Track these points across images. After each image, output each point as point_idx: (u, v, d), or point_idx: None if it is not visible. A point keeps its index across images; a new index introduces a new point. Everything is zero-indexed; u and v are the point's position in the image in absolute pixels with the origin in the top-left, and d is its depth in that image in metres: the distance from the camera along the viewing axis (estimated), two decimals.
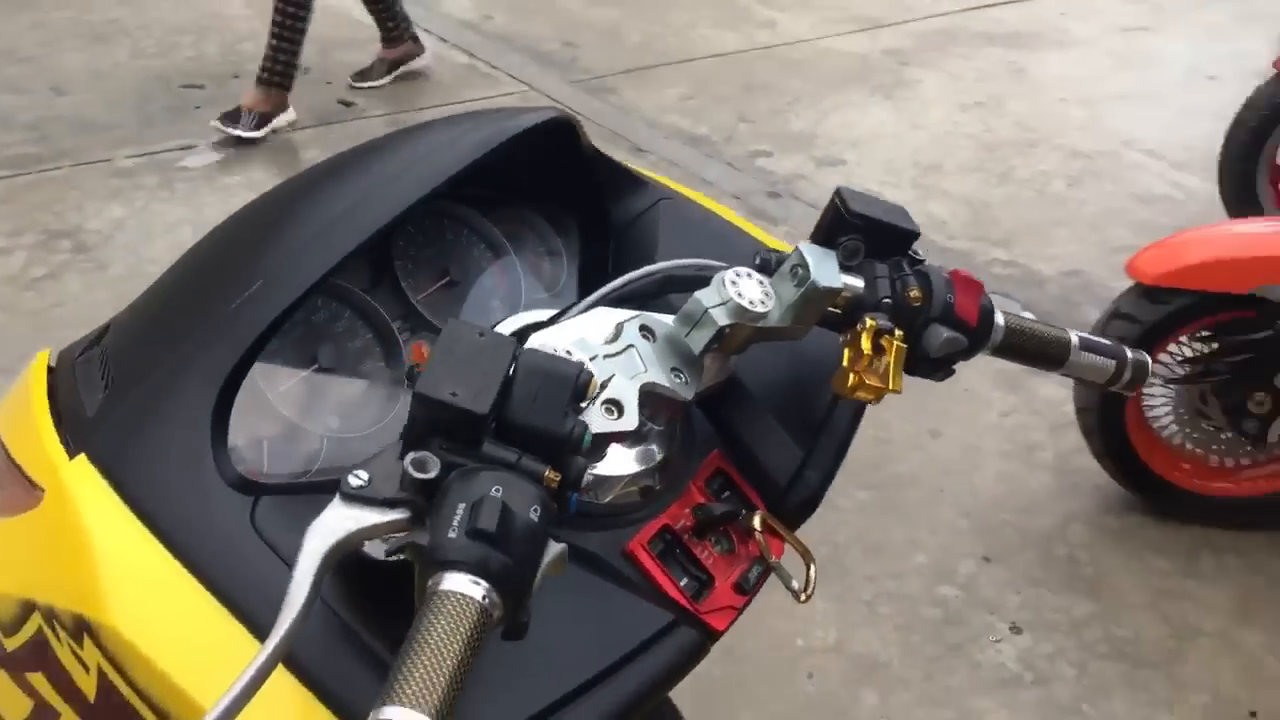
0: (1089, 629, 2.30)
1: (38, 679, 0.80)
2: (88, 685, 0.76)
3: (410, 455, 0.68)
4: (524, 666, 0.77)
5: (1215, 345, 2.38)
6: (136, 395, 0.80)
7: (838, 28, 5.32)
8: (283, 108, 4.03)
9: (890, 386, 0.89)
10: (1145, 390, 2.48)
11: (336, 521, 0.67)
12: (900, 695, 2.13)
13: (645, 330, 0.88)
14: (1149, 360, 1.08)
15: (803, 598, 0.91)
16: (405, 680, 0.60)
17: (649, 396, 0.85)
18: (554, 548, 0.68)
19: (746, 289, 0.88)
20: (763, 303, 0.88)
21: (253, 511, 0.76)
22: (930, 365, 0.96)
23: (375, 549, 0.75)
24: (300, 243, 0.85)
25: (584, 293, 1.08)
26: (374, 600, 0.75)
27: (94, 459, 0.77)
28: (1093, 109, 4.60)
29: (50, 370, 0.90)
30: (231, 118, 3.94)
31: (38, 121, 4.04)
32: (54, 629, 0.76)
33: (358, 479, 0.68)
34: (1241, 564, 2.48)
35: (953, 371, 0.98)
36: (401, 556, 0.74)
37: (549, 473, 0.70)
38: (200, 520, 0.75)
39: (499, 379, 0.70)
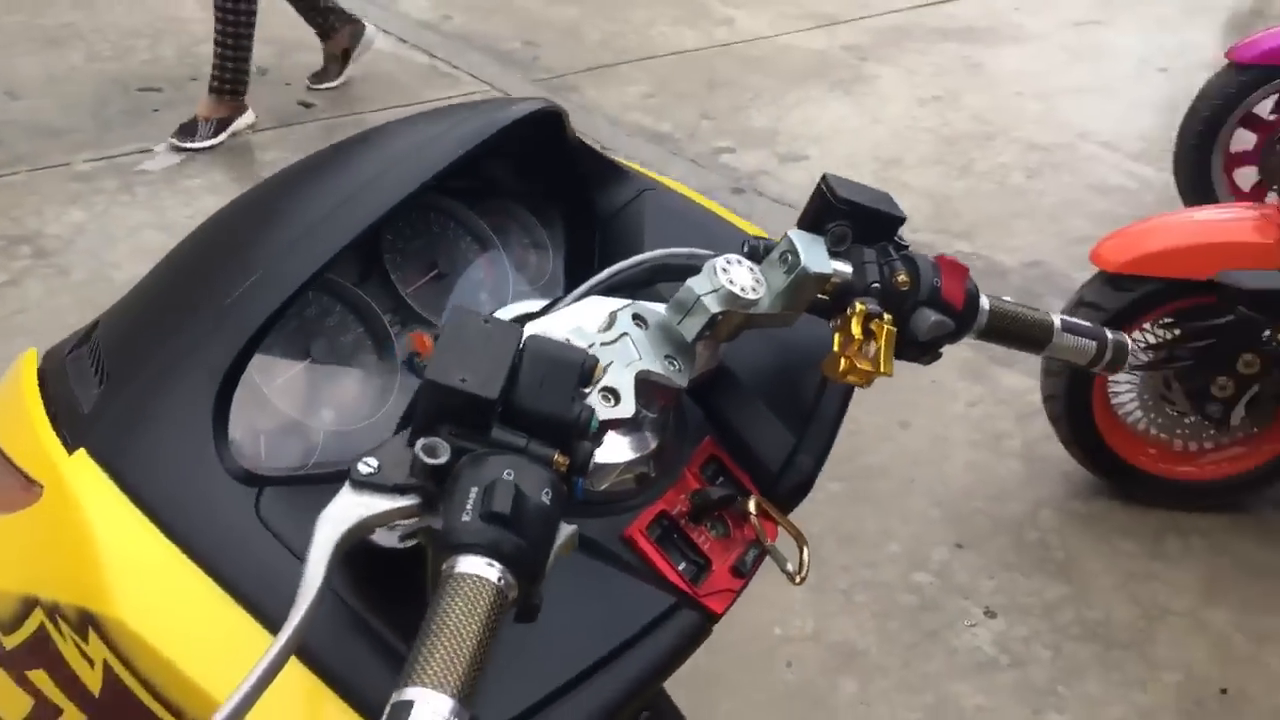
0: (1061, 612, 2.33)
1: (39, 676, 0.79)
2: (92, 680, 0.75)
3: (421, 441, 0.68)
4: (529, 652, 0.77)
5: (1178, 331, 2.42)
6: (135, 389, 0.80)
7: (796, 24, 5.35)
8: (240, 111, 3.99)
9: (881, 370, 0.90)
10: (1111, 377, 2.52)
11: (347, 509, 0.67)
12: (879, 682, 2.15)
13: (638, 319, 0.88)
14: (1129, 341, 1.10)
15: (798, 580, 0.92)
16: (425, 662, 0.60)
17: (644, 384, 0.86)
18: (565, 529, 0.69)
19: (738, 276, 0.89)
20: (754, 289, 0.89)
21: (257, 503, 0.76)
22: (918, 349, 0.97)
23: (381, 537, 0.75)
24: (298, 234, 0.85)
25: (571, 285, 1.09)
26: (380, 588, 0.76)
27: (94, 454, 0.77)
28: (1048, 102, 4.66)
29: (39, 369, 0.90)
30: (188, 131, 3.89)
31: None
32: (57, 625, 0.76)
33: (367, 466, 0.68)
34: (1207, 545, 2.52)
35: (939, 355, 1.00)
36: (413, 542, 0.75)
37: (558, 456, 0.70)
38: (205, 512, 0.75)
39: (506, 365, 0.70)
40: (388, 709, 0.59)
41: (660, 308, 0.90)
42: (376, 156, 0.92)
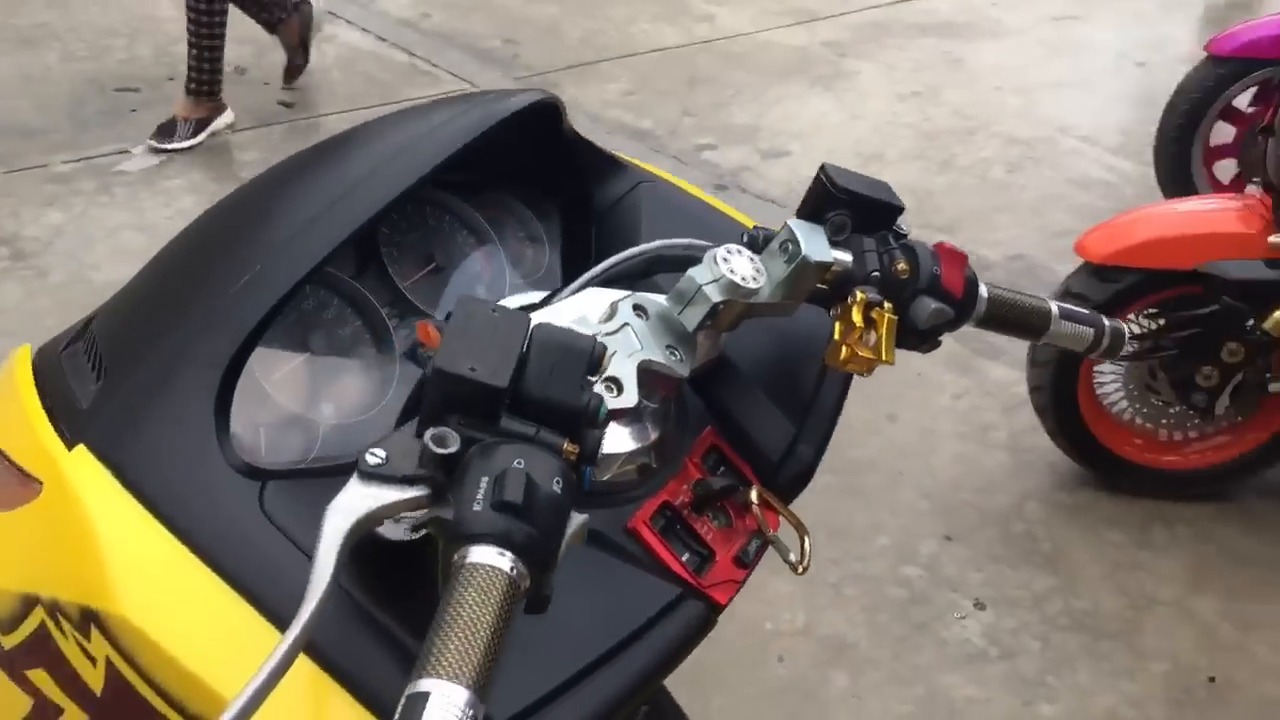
0: (1050, 603, 2.34)
1: (39, 675, 0.78)
2: (94, 679, 0.75)
3: (430, 431, 0.67)
4: (535, 645, 0.77)
5: (1163, 321, 2.43)
6: (134, 384, 0.79)
7: (776, 21, 5.35)
8: (219, 111, 3.97)
9: (883, 358, 0.90)
10: (1096, 368, 2.53)
11: (356, 500, 0.67)
12: (870, 675, 2.16)
13: (639, 309, 0.88)
14: (1125, 328, 1.10)
15: (800, 570, 0.92)
16: (440, 653, 0.59)
17: (646, 374, 0.85)
18: (576, 518, 0.68)
19: (738, 265, 0.89)
20: (754, 279, 0.89)
21: (260, 496, 0.75)
22: (918, 337, 0.97)
23: (387, 529, 0.74)
24: (298, 227, 0.84)
25: (568, 278, 1.08)
26: (385, 581, 0.75)
27: (93, 449, 0.76)
28: (1028, 97, 4.68)
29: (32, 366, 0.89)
30: (166, 132, 3.86)
31: None
32: (58, 623, 0.75)
33: (375, 457, 0.68)
34: (1192, 534, 2.53)
35: (939, 343, 1.00)
36: (421, 534, 0.74)
37: (567, 445, 0.70)
38: (208, 506, 0.74)
39: (515, 353, 0.70)
40: (402, 701, 0.58)
41: (661, 298, 0.90)
42: (375, 149, 0.92)
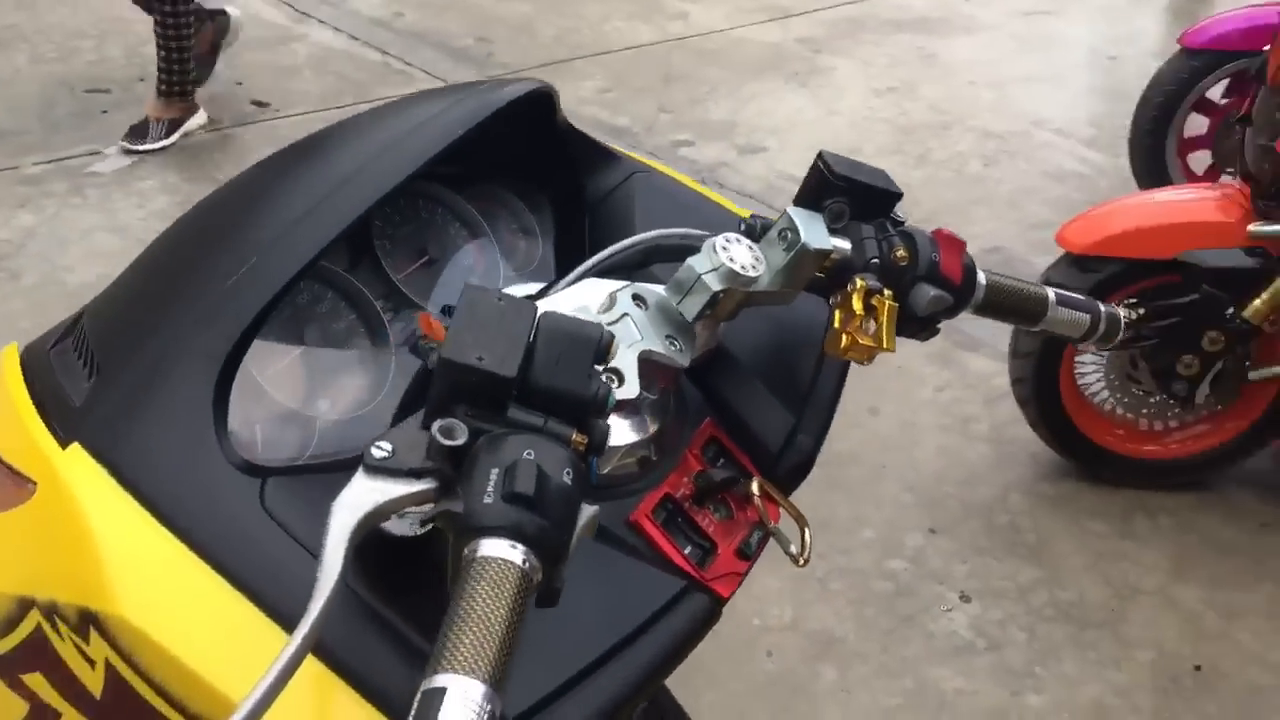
0: (1035, 594, 2.35)
1: (35, 680, 0.77)
2: (93, 682, 0.73)
3: (438, 423, 0.66)
4: (540, 641, 0.76)
5: (1143, 311, 2.43)
6: (129, 380, 0.77)
7: (750, 17, 5.35)
8: (191, 111, 3.93)
9: (884, 345, 0.90)
10: (1077, 358, 2.54)
11: (362, 495, 0.65)
12: (858, 668, 2.15)
13: (638, 299, 0.87)
14: (1121, 314, 1.10)
15: (801, 561, 0.91)
16: (454, 648, 0.58)
17: (646, 365, 0.84)
18: (587, 510, 0.67)
19: (737, 254, 0.88)
20: (754, 267, 0.88)
21: (261, 493, 0.73)
22: (917, 324, 0.97)
23: (392, 524, 0.73)
24: (295, 218, 0.82)
25: (561, 270, 1.07)
26: (389, 577, 0.74)
27: (88, 447, 0.74)
28: (1002, 91, 4.70)
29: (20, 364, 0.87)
30: (139, 133, 3.82)
31: None
32: (54, 625, 0.73)
33: (381, 450, 0.67)
34: (1174, 523, 2.55)
35: (937, 330, 0.99)
36: (427, 528, 0.73)
37: (576, 436, 0.69)
38: (208, 504, 0.72)
39: (523, 342, 0.69)
40: (418, 697, 0.57)
41: (659, 288, 0.89)
42: (371, 139, 0.90)
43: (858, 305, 0.90)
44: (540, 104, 1.01)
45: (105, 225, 3.42)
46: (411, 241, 1.01)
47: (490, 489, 0.63)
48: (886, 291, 0.91)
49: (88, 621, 0.71)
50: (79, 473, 0.73)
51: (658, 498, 0.87)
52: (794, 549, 0.91)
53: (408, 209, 1.01)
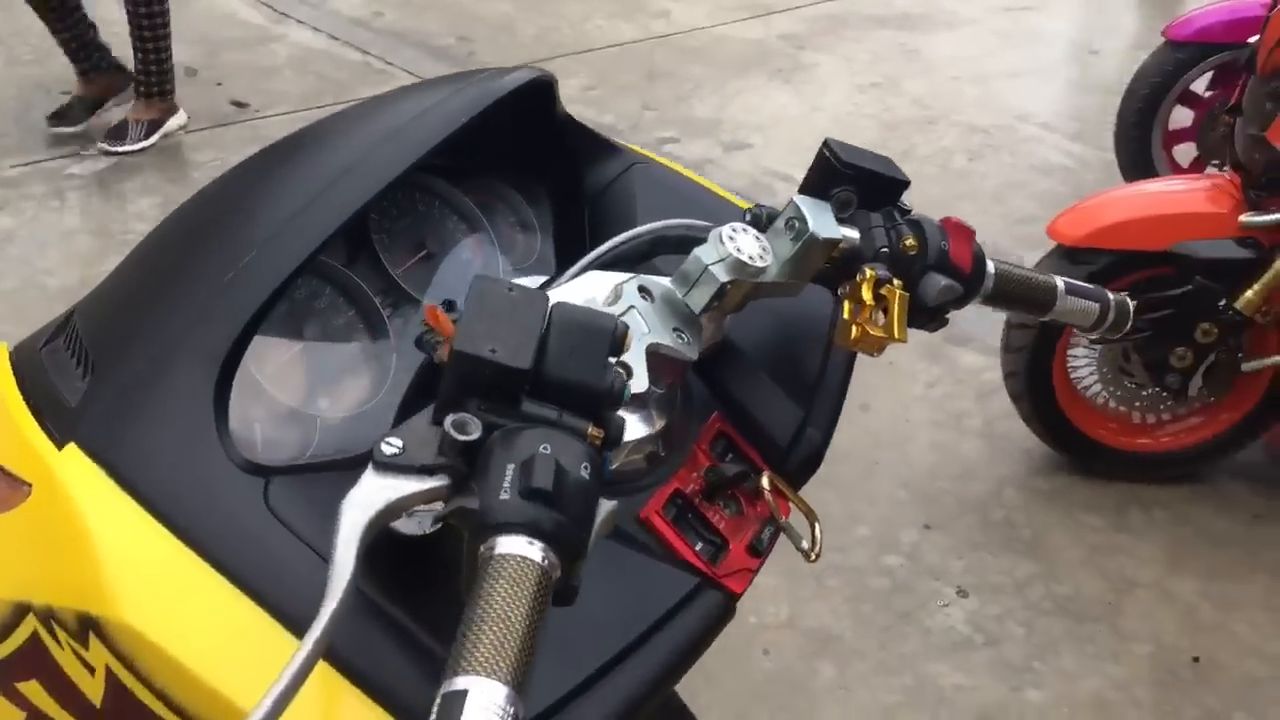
0: (1032, 588, 2.33)
1: (31, 688, 0.74)
2: (93, 689, 0.70)
3: (450, 417, 0.64)
4: (555, 640, 0.74)
5: (1136, 303, 2.43)
6: (126, 378, 0.74)
7: (731, 15, 5.34)
8: (171, 112, 3.90)
9: (895, 336, 0.88)
10: (1070, 351, 2.53)
11: (373, 493, 0.63)
12: (856, 666, 2.14)
13: (644, 291, 0.86)
14: (1130, 303, 1.08)
15: (813, 557, 0.90)
16: (474, 649, 0.56)
17: (654, 358, 0.83)
18: (605, 505, 0.65)
19: (744, 244, 0.86)
20: (761, 257, 0.86)
21: (265, 493, 0.71)
22: (926, 314, 0.95)
23: (402, 524, 0.71)
24: (295, 210, 0.80)
25: (561, 264, 1.05)
26: (399, 578, 0.72)
27: (85, 448, 0.71)
28: (985, 86, 4.70)
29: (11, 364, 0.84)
30: (117, 135, 3.78)
31: None
32: (52, 631, 0.71)
33: (391, 446, 0.64)
34: (1169, 516, 2.54)
35: (946, 321, 0.98)
36: (438, 526, 0.71)
37: (592, 429, 0.67)
38: (211, 505, 0.70)
39: (536, 333, 0.67)
40: (438, 700, 0.55)
41: (664, 280, 0.87)
42: (371, 129, 0.88)
43: (867, 295, 0.88)
44: (540, 93, 0.99)
45: (86, 228, 3.39)
46: (409, 236, 0.98)
47: (507, 485, 0.61)
48: (896, 281, 0.89)
49: (87, 627, 0.68)
50: (76, 474, 0.71)
51: (668, 494, 0.85)
52: (805, 544, 0.89)
53: (405, 202, 0.99)
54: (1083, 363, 2.55)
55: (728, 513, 0.88)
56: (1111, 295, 1.07)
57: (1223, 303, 2.30)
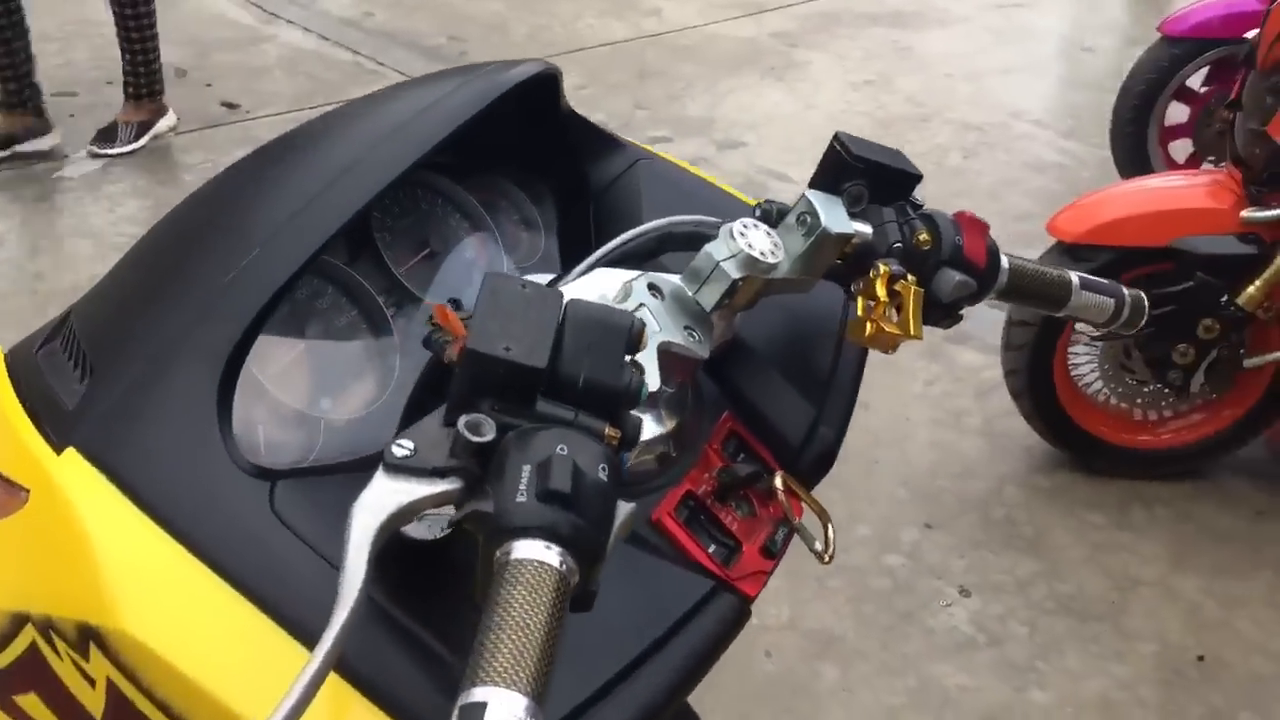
0: (1034, 587, 2.32)
1: (30, 701, 0.72)
2: (93, 702, 0.68)
3: (464, 418, 0.62)
4: (571, 646, 0.72)
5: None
6: (127, 381, 0.72)
7: (723, 13, 5.32)
8: (161, 114, 3.87)
9: (910, 333, 0.86)
10: (1071, 349, 2.51)
11: (384, 496, 0.61)
12: (859, 667, 2.12)
13: (653, 289, 0.84)
14: (1145, 298, 1.07)
15: (826, 559, 0.88)
16: (492, 658, 0.54)
17: (665, 356, 0.81)
18: (624, 507, 0.63)
19: (755, 240, 0.84)
20: (773, 253, 0.85)
21: (271, 497, 0.69)
22: (941, 310, 0.93)
23: (412, 528, 0.69)
24: (297, 207, 0.77)
25: (566, 261, 1.03)
26: (408, 584, 0.69)
27: (84, 452, 0.69)
28: (979, 83, 4.69)
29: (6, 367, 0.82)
30: (107, 137, 3.75)
31: None
32: (51, 642, 0.68)
33: (402, 448, 0.62)
34: (1171, 513, 2.52)
35: (960, 317, 0.96)
36: (448, 531, 0.69)
37: (609, 430, 0.65)
38: (215, 509, 0.68)
39: (551, 331, 0.65)
40: (455, 713, 0.53)
41: (674, 278, 0.85)
42: (374, 125, 0.86)
43: (881, 292, 0.86)
44: (545, 87, 0.97)
45: (76, 231, 3.36)
46: (412, 234, 0.96)
47: (523, 487, 0.59)
48: (910, 277, 0.88)
49: (87, 637, 0.66)
50: (75, 478, 0.69)
51: (679, 495, 0.83)
52: (818, 546, 0.88)
53: (407, 200, 0.97)
54: (1084, 360, 2.54)
55: (740, 514, 0.86)
56: (1126, 290, 1.05)
57: (1224, 299, 2.28)
